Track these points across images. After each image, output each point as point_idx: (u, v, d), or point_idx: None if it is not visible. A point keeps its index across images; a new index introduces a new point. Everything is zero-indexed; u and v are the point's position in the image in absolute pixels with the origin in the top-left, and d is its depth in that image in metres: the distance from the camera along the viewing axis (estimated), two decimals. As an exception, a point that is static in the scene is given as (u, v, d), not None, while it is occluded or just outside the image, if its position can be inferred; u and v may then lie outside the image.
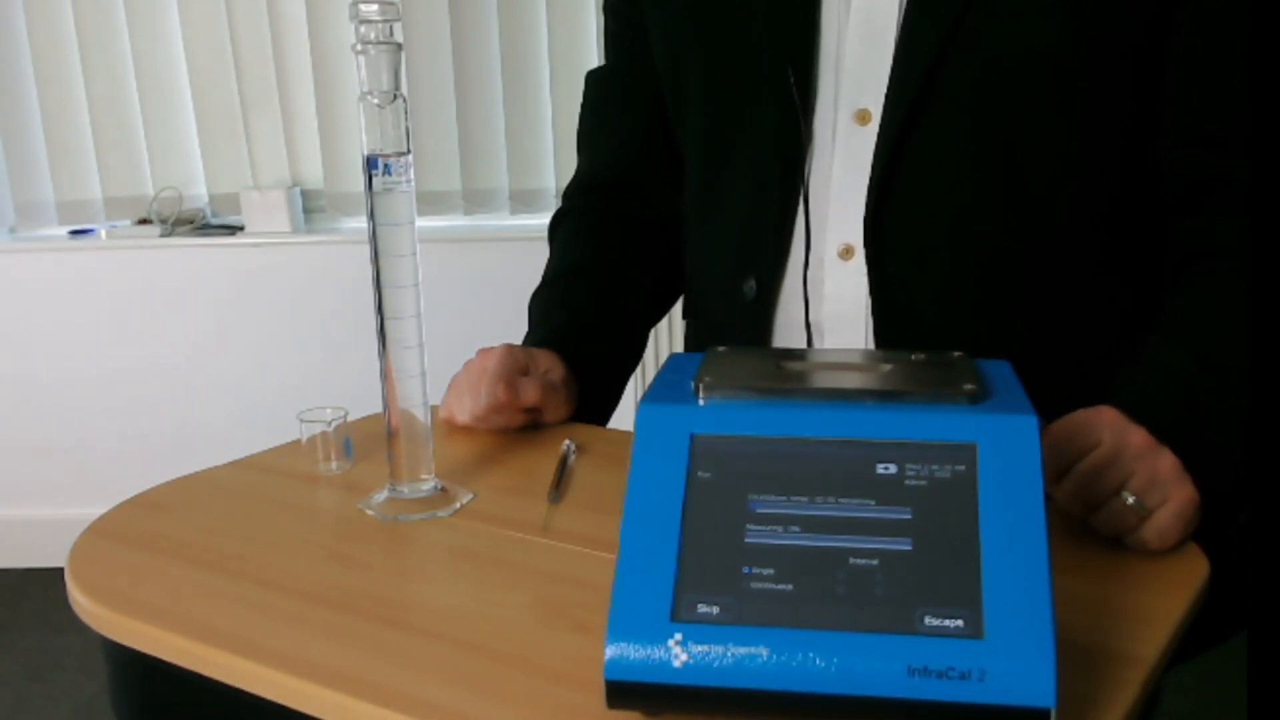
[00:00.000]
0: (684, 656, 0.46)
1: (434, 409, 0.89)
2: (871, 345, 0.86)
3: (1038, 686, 0.44)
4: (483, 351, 0.89)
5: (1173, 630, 0.56)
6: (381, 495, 0.74)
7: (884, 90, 0.82)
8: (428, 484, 0.74)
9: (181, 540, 0.69)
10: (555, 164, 2.26)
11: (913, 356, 0.58)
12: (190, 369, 2.35)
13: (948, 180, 0.82)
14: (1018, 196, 0.82)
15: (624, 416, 0.86)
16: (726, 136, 0.93)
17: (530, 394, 0.86)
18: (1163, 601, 0.59)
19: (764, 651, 0.46)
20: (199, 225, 2.31)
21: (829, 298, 0.87)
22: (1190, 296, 0.79)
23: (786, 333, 0.91)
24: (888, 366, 0.57)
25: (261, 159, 2.31)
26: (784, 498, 0.49)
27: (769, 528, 0.49)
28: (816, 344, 0.88)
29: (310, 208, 2.34)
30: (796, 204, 0.88)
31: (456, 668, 0.54)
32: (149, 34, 2.24)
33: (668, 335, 2.18)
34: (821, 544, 0.48)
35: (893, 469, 0.50)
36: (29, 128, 2.29)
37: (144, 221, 2.33)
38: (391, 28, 0.66)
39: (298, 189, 2.31)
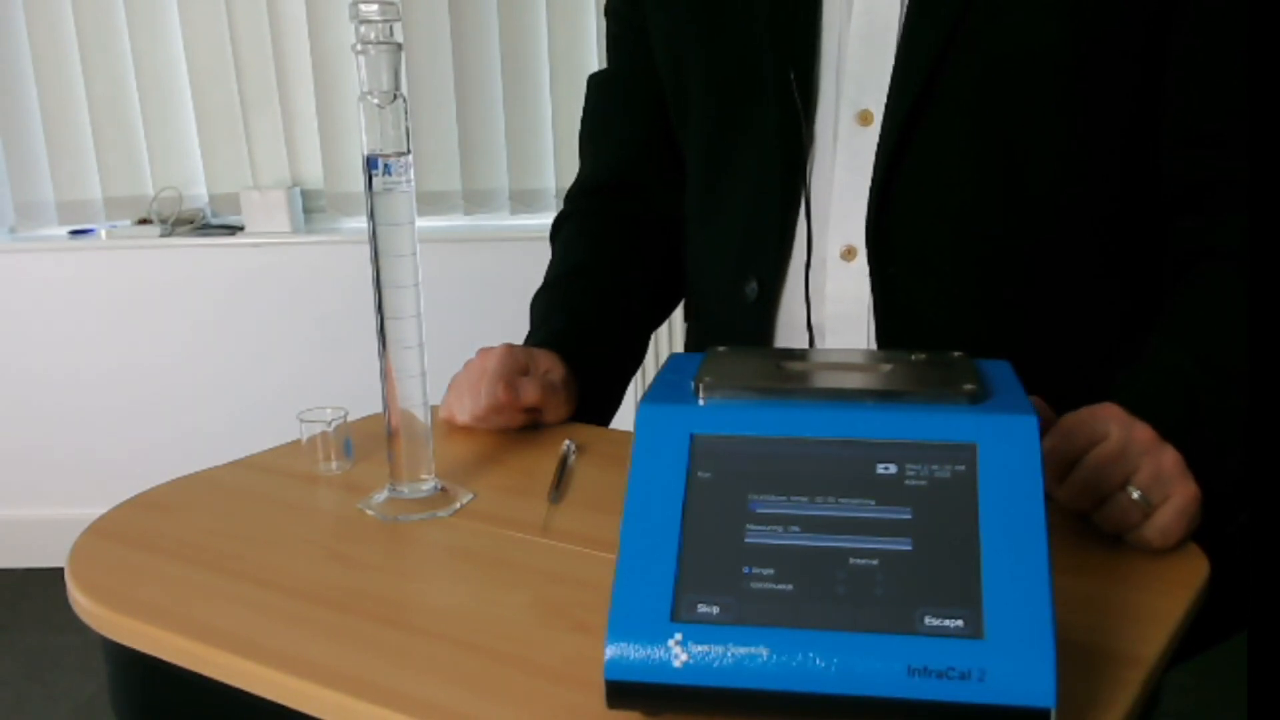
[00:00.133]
0: (684, 656, 0.46)
1: (434, 409, 0.89)
2: (873, 346, 0.86)
3: (1038, 686, 0.44)
4: (483, 351, 0.89)
5: (1173, 630, 0.56)
6: (381, 495, 0.74)
7: (885, 91, 0.82)
8: (428, 484, 0.74)
9: (181, 540, 0.69)
10: (555, 164, 2.26)
11: (913, 357, 0.58)
12: (190, 369, 2.36)
13: (949, 181, 0.82)
14: (1018, 197, 0.82)
15: (624, 417, 0.86)
16: (728, 138, 0.93)
17: (530, 394, 0.86)
18: (1163, 601, 0.59)
19: (764, 651, 0.46)
20: (199, 225, 2.31)
21: (831, 298, 0.87)
22: (1190, 297, 0.79)
23: (788, 334, 0.91)
24: (888, 366, 0.57)
25: (261, 159, 2.31)
26: (784, 498, 0.49)
27: (769, 528, 0.49)
28: (818, 345, 0.88)
29: (310, 208, 2.34)
30: (798, 205, 0.88)
31: (456, 668, 0.54)
32: (149, 34, 2.24)
33: (668, 337, 2.18)
34: (821, 544, 0.48)
35: (893, 469, 0.50)
36: (29, 128, 2.29)
37: (144, 221, 2.33)
38: (391, 28, 0.66)
39: (298, 189, 2.31)
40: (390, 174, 0.68)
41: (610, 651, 0.47)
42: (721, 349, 0.60)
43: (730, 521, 0.49)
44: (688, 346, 1.08)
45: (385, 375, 0.71)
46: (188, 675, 0.57)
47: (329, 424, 0.82)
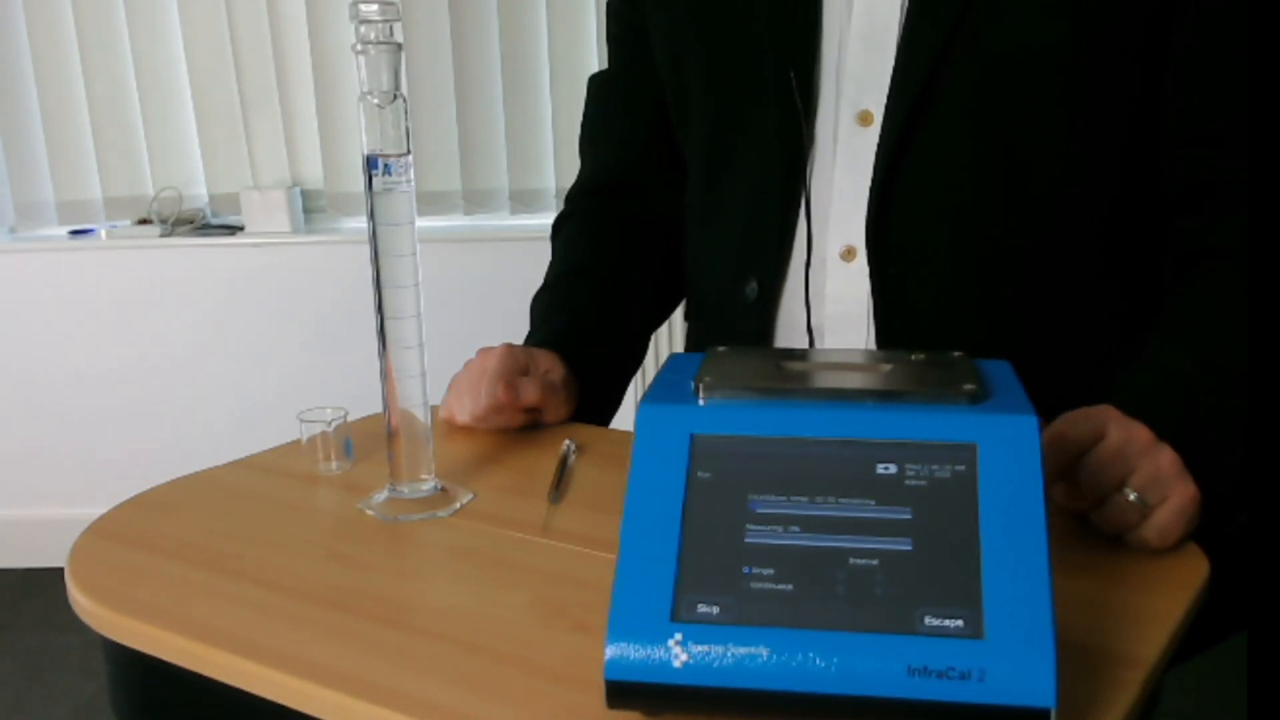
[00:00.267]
0: (684, 656, 0.46)
1: (434, 409, 0.89)
2: (873, 346, 0.86)
3: (1038, 686, 0.44)
4: (483, 351, 0.89)
5: (1173, 630, 0.56)
6: (381, 495, 0.74)
7: (885, 92, 0.82)
8: (428, 484, 0.74)
9: (181, 540, 0.69)
10: (555, 164, 2.26)
11: (913, 357, 0.58)
12: (190, 369, 2.36)
13: (949, 181, 0.82)
14: (1019, 197, 0.82)
15: (624, 417, 0.86)
16: (728, 139, 0.93)
17: (530, 394, 0.86)
18: (1163, 601, 0.59)
19: (764, 651, 0.46)
20: (199, 225, 2.31)
21: (830, 299, 0.87)
22: (1190, 297, 0.79)
23: (788, 334, 0.91)
24: (888, 366, 0.57)
25: (261, 159, 2.31)
26: (784, 498, 0.49)
27: (769, 528, 0.49)
28: (818, 345, 0.88)
29: (310, 208, 2.34)
30: (798, 205, 0.88)
31: (456, 668, 0.54)
32: (149, 34, 2.24)
33: (668, 337, 2.18)
34: (821, 544, 0.48)
35: (893, 469, 0.50)
36: (29, 128, 2.29)
37: (144, 221, 2.33)
38: (391, 28, 0.66)
39: (298, 189, 2.31)
40: (390, 174, 0.68)
41: (610, 651, 0.47)
42: (721, 349, 0.60)
43: (730, 521, 0.49)
44: (688, 346, 1.08)
45: (385, 375, 0.71)
46: (188, 675, 0.57)
47: (329, 424, 0.82)
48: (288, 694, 0.53)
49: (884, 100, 0.83)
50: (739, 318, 0.92)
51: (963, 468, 0.49)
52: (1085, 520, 0.67)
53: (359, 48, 0.66)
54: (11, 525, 2.45)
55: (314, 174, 2.32)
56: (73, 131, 2.28)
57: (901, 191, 0.83)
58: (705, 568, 0.48)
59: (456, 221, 2.28)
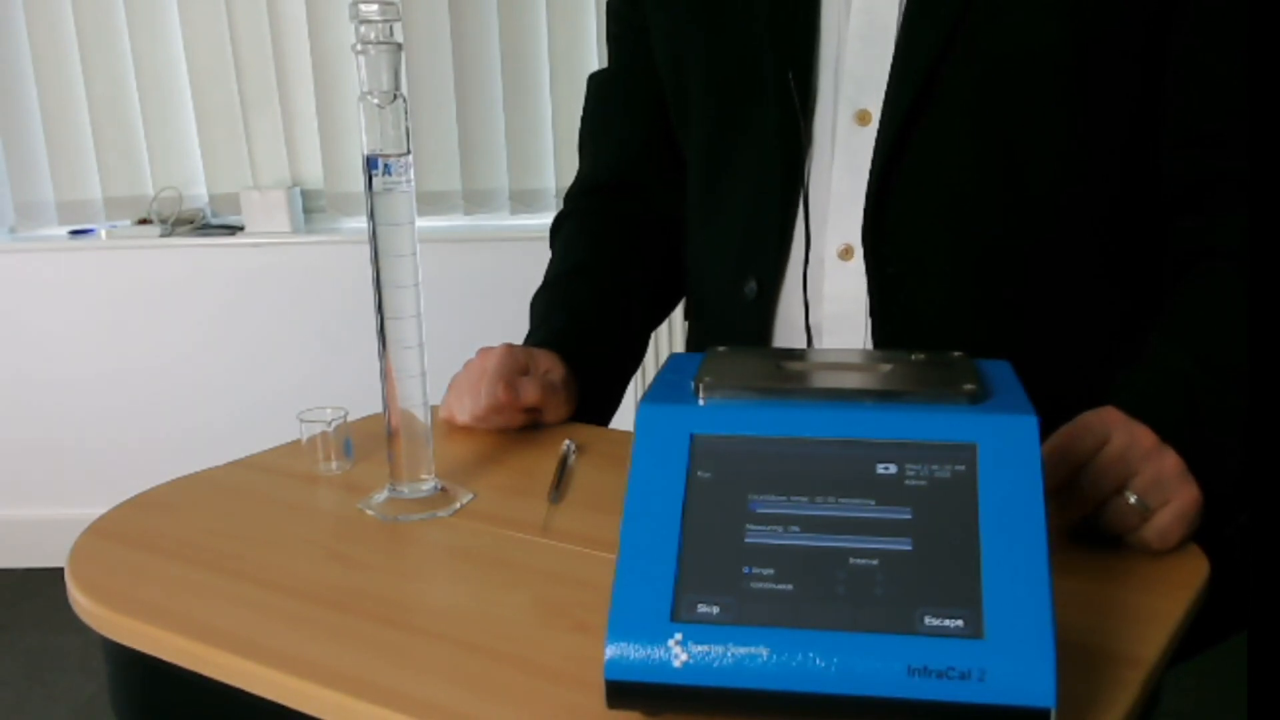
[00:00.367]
0: (684, 656, 0.46)
1: (434, 409, 0.89)
2: (871, 345, 0.86)
3: (1038, 686, 0.44)
4: (483, 351, 0.89)
5: (1173, 630, 0.56)
6: (381, 495, 0.74)
7: (884, 91, 0.82)
8: (428, 484, 0.74)
9: (181, 540, 0.69)
10: (555, 164, 2.26)
11: (913, 356, 0.58)
12: (190, 369, 2.36)
13: (947, 180, 0.82)
14: (1018, 197, 0.82)
15: (624, 416, 0.86)
16: (728, 138, 0.93)
17: (530, 394, 0.86)
18: (1163, 601, 0.59)
19: (764, 651, 0.46)
20: (199, 225, 2.31)
21: (829, 298, 0.87)
22: (1190, 297, 0.79)
23: (786, 333, 0.91)
24: (888, 366, 0.57)
25: (261, 159, 2.31)
26: (784, 498, 0.49)
27: (769, 528, 0.49)
28: (816, 344, 0.88)
29: (310, 208, 2.34)
30: (797, 205, 0.88)
31: (456, 668, 0.54)
32: (149, 34, 2.24)
33: (668, 336, 2.18)
34: (821, 544, 0.48)
35: (893, 469, 0.50)
36: (29, 128, 2.29)
37: (144, 221, 2.33)
38: (391, 28, 0.66)
39: (298, 189, 2.31)
40: (390, 174, 0.68)
41: (610, 651, 0.47)
42: (721, 349, 0.60)
43: (730, 521, 0.49)
44: (688, 346, 1.08)
45: (385, 375, 0.71)
46: (188, 675, 0.57)
47: (329, 424, 0.82)
48: (288, 694, 0.53)
49: (882, 100, 0.83)
50: (738, 317, 0.92)
51: (963, 468, 0.49)
52: (1085, 521, 0.67)
53: (359, 48, 0.66)
54: (11, 525, 2.45)
55: (314, 174, 2.32)
56: (73, 131, 2.28)
57: (899, 191, 0.83)
58: (705, 568, 0.48)
59: (456, 221, 2.28)
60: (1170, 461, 0.65)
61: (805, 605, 0.47)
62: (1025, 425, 0.49)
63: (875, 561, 0.47)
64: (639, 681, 0.46)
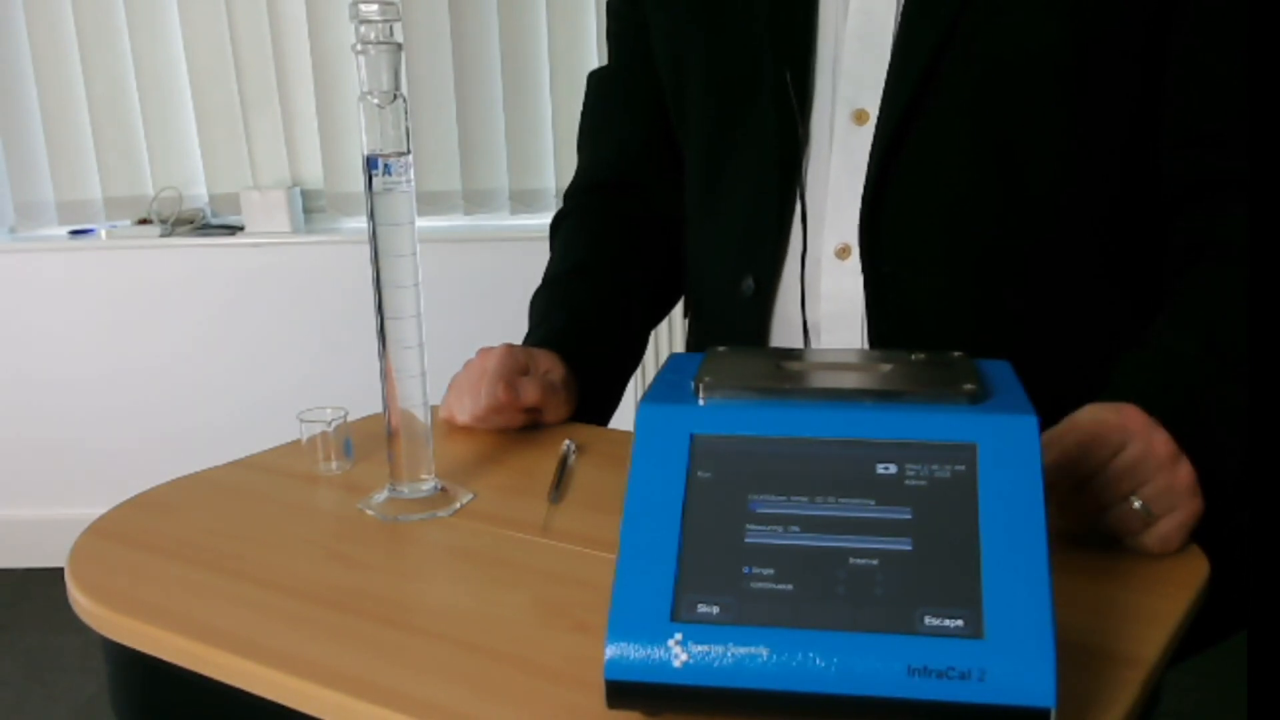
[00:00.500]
0: (684, 656, 0.46)
1: (434, 409, 0.89)
2: (868, 344, 0.86)
3: (1038, 686, 0.44)
4: (483, 351, 0.89)
5: (1173, 630, 0.56)
6: (381, 495, 0.74)
7: (881, 91, 0.82)
8: (428, 484, 0.74)
9: (181, 540, 0.69)
10: (555, 164, 2.26)
11: (912, 356, 0.58)
12: (190, 369, 2.35)
13: (945, 180, 0.82)
14: (1016, 197, 0.82)
15: (624, 416, 0.86)
16: (727, 137, 0.93)
17: (530, 394, 0.86)
18: (1163, 602, 0.59)
19: (764, 651, 0.46)
20: (199, 225, 2.31)
21: (825, 296, 0.87)
22: (1190, 295, 0.79)
23: (784, 331, 0.91)
24: (887, 366, 0.57)
25: (261, 159, 2.31)
26: (784, 498, 0.49)
27: (769, 528, 0.49)
28: (813, 343, 0.89)
29: (310, 208, 2.34)
30: (794, 203, 0.88)
31: (456, 668, 0.54)
32: (149, 34, 2.24)
33: (668, 336, 2.18)
34: (821, 544, 0.48)
35: (893, 469, 0.50)
36: (29, 128, 2.29)
37: (144, 221, 2.33)
38: (391, 28, 0.66)
39: (298, 189, 2.31)
40: (390, 174, 0.68)
41: (610, 651, 0.47)
42: (721, 349, 0.60)
43: (730, 521, 0.49)
44: (688, 345, 1.08)
45: (385, 375, 0.71)
46: (188, 675, 0.57)
47: (329, 424, 0.82)
48: (288, 694, 0.53)
49: (880, 100, 0.83)
50: (736, 315, 0.92)
51: (963, 468, 0.49)
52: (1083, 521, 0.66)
53: (359, 48, 0.66)
54: (11, 525, 2.45)
55: (314, 174, 2.32)
56: (73, 131, 2.28)
57: (896, 190, 0.83)
58: (705, 568, 0.48)
59: (456, 221, 2.28)
60: (1184, 474, 0.65)
61: (805, 605, 0.47)
62: (1025, 425, 0.49)
63: (875, 561, 0.47)
64: (639, 681, 0.46)
